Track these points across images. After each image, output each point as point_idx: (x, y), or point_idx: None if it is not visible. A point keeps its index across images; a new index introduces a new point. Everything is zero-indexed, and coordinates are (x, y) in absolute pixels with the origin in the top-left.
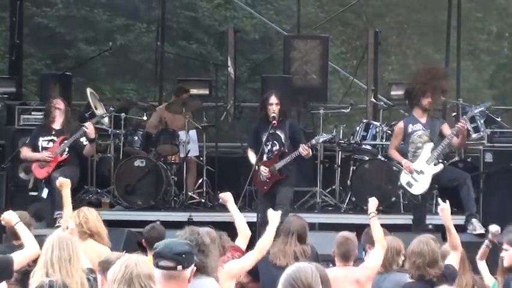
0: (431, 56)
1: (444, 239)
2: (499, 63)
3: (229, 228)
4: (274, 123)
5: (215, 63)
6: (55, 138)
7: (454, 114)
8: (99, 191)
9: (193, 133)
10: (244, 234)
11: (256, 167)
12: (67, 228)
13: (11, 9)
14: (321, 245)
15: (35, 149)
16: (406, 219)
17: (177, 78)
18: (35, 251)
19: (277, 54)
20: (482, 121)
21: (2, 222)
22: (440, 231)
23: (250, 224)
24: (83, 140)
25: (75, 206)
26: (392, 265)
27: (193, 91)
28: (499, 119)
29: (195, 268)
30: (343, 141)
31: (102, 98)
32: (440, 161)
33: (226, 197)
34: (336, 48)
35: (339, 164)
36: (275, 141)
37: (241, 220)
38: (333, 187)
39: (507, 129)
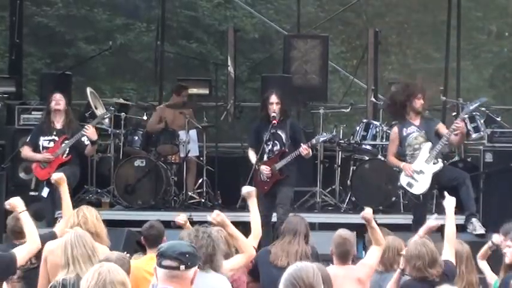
0: (431, 55)
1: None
2: (499, 63)
3: None
4: (275, 123)
5: (215, 62)
6: (56, 138)
7: (454, 114)
8: (99, 190)
9: (193, 133)
10: (256, 233)
11: (257, 166)
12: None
13: (11, 9)
14: (321, 244)
15: (36, 148)
16: (406, 219)
17: (177, 78)
18: (37, 245)
19: (277, 53)
20: (482, 121)
21: (7, 206)
22: (440, 230)
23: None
24: (85, 139)
25: (75, 205)
26: (393, 265)
27: (193, 90)
28: (499, 119)
29: (198, 270)
30: (343, 141)
31: (102, 98)
32: (440, 159)
33: (251, 193)
34: (336, 48)
35: (339, 163)
36: (276, 141)
37: (257, 219)
38: (333, 187)
39: (507, 129)
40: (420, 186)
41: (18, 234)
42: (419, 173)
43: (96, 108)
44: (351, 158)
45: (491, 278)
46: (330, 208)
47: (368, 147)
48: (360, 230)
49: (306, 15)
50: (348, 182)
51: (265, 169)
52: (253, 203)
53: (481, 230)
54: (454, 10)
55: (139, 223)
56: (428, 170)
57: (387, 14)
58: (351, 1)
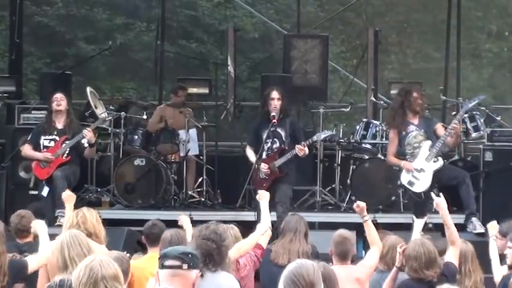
0: (431, 55)
1: (444, 236)
2: (499, 63)
3: None
4: (274, 121)
5: (215, 62)
6: (57, 137)
7: (454, 113)
8: (99, 189)
9: (193, 132)
10: (266, 233)
11: (256, 165)
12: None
13: (11, 8)
14: (320, 244)
15: (37, 147)
16: (406, 218)
17: (177, 78)
18: (46, 257)
19: (277, 53)
20: (482, 120)
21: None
22: (440, 230)
23: (251, 223)
24: (84, 141)
25: (75, 205)
26: (395, 264)
27: (193, 90)
28: (498, 118)
29: (200, 273)
30: (343, 140)
31: (102, 98)
32: (440, 158)
33: (264, 195)
34: (335, 47)
35: (339, 163)
36: (275, 139)
37: (266, 220)
38: (333, 186)
39: (507, 128)
40: (421, 184)
41: (22, 233)
42: (420, 171)
43: (96, 107)
44: (350, 157)
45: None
46: (329, 207)
47: (368, 146)
48: (360, 229)
49: (306, 14)
50: (348, 181)
51: (263, 166)
52: (265, 204)
53: (480, 229)
54: (454, 10)
55: (139, 222)
56: (429, 168)
57: (387, 13)
58: (351, 1)
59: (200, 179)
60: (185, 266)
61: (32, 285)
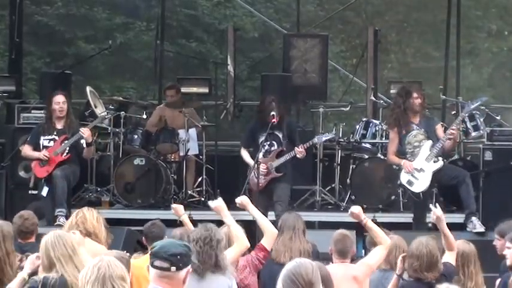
0: (430, 54)
1: None
2: (498, 62)
3: None
4: (274, 121)
5: (215, 61)
6: (56, 137)
7: (454, 112)
8: (98, 189)
9: (192, 132)
10: (269, 234)
11: (255, 166)
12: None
13: (11, 8)
14: (320, 243)
15: (36, 147)
16: (405, 217)
17: (176, 77)
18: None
19: (276, 52)
20: (481, 119)
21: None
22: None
23: (249, 223)
24: (83, 141)
25: (75, 204)
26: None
27: (193, 89)
28: (498, 117)
29: (191, 269)
30: (342, 140)
31: (101, 97)
32: (440, 158)
33: (244, 201)
34: (335, 47)
35: (339, 162)
36: (273, 141)
37: (264, 221)
38: (333, 185)
39: (506, 128)
40: (420, 184)
41: (25, 234)
42: (419, 171)
43: (95, 107)
44: (350, 157)
45: None
46: (329, 207)
47: (367, 145)
48: (360, 229)
49: (305, 14)
50: (348, 180)
51: (261, 167)
52: (252, 209)
53: (480, 228)
54: (453, 9)
55: (139, 222)
56: (429, 168)
57: (387, 12)
58: (351, 0)
59: (200, 179)
60: (173, 269)
61: None
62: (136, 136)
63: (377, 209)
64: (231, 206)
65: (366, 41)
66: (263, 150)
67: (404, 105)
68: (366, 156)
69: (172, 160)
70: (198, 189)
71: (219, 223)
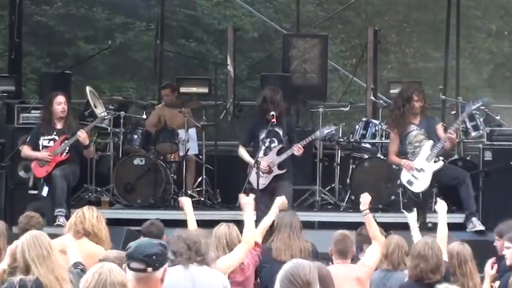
0: (430, 54)
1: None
2: (498, 62)
3: None
4: (274, 121)
5: (214, 61)
6: (56, 137)
7: (453, 112)
8: (98, 189)
9: (192, 131)
10: (263, 228)
11: (256, 164)
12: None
13: (10, 8)
14: (320, 243)
15: (36, 147)
16: (405, 217)
17: (176, 77)
18: None
19: (276, 52)
20: (481, 119)
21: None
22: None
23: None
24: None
25: (75, 204)
26: (400, 264)
27: (193, 89)
28: (498, 117)
29: (168, 268)
30: (342, 140)
31: (101, 97)
32: (441, 158)
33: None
34: (335, 47)
35: (339, 162)
36: (274, 138)
37: (251, 229)
38: (333, 185)
39: (506, 128)
40: (420, 184)
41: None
42: (419, 171)
43: (95, 107)
44: (350, 157)
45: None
46: (329, 207)
47: (367, 145)
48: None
49: (305, 14)
50: (348, 180)
51: (263, 165)
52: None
53: (480, 227)
54: (453, 9)
55: (139, 222)
56: (429, 168)
57: (386, 12)
58: (350, 0)
59: (200, 179)
60: (150, 269)
61: None
62: (136, 136)
63: (377, 209)
64: (231, 205)
65: (366, 41)
66: (263, 147)
67: (404, 108)
68: (366, 156)
69: (172, 160)
70: (198, 189)
71: (217, 223)
